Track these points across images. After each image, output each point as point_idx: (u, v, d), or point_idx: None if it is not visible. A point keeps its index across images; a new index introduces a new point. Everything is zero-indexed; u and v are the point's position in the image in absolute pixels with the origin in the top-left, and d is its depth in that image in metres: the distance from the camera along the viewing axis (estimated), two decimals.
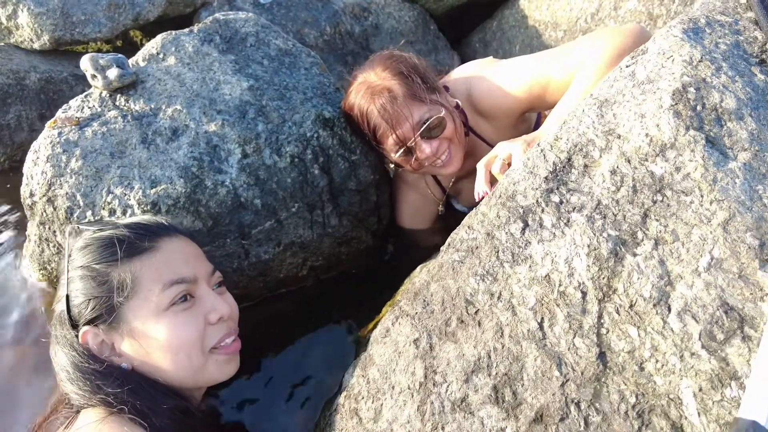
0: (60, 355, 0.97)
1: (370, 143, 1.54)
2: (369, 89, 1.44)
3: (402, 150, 1.47)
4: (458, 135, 1.51)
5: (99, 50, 2.82)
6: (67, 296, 0.97)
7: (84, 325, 0.96)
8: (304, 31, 2.74)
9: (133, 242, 1.00)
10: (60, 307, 0.99)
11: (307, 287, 1.62)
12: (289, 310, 1.55)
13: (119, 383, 0.92)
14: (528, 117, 1.71)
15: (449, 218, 1.82)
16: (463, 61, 3.14)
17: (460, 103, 1.56)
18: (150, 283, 0.98)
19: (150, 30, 2.98)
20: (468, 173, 1.66)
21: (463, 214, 1.11)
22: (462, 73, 1.67)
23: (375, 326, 1.19)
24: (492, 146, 1.40)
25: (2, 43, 2.35)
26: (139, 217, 1.18)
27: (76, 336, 0.96)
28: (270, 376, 1.39)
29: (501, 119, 1.60)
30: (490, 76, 1.56)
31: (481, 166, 1.28)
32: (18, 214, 1.91)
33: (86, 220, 1.23)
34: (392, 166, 1.58)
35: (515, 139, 1.25)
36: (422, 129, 1.43)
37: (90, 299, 0.96)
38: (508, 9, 3.01)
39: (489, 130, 1.64)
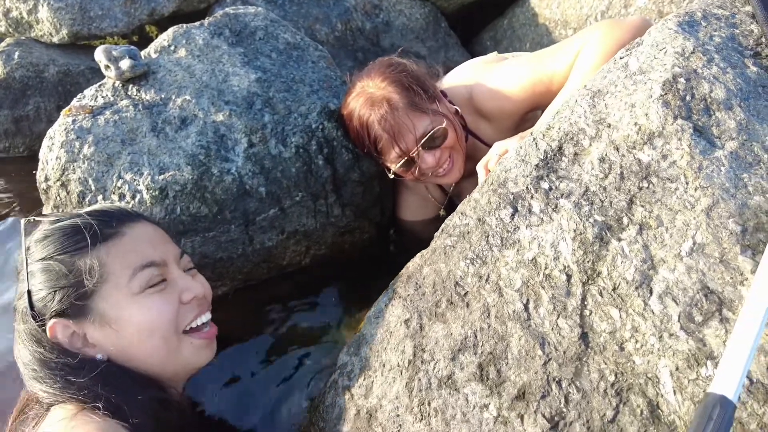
0: (24, 352, 0.93)
1: (369, 153, 1.53)
2: (368, 99, 1.44)
3: (403, 161, 1.47)
4: (460, 143, 1.52)
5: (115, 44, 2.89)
6: (29, 291, 0.94)
7: (51, 318, 0.92)
8: (316, 27, 2.78)
9: (97, 229, 0.97)
10: (22, 303, 0.95)
11: (308, 270, 1.66)
12: (290, 291, 1.59)
13: (92, 376, 0.89)
14: (532, 116, 1.71)
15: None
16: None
17: (459, 109, 1.56)
18: (119, 269, 0.96)
19: (164, 25, 3.05)
20: (468, 174, 1.67)
21: None
22: (462, 75, 1.68)
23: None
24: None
25: (23, 38, 2.43)
26: (100, 205, 1.16)
27: (44, 330, 0.92)
28: (264, 357, 1.42)
29: (503, 120, 1.60)
30: (492, 78, 1.56)
31: (480, 168, 1.29)
32: (34, 199, 1.98)
33: (41, 212, 1.17)
34: (391, 176, 1.57)
35: (511, 137, 1.27)
36: (424, 140, 1.43)
37: (56, 290, 0.93)
38: (518, 7, 3.03)
39: (490, 132, 1.64)
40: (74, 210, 1.05)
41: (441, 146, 1.46)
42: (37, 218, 1.01)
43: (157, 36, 3.10)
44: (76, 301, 0.93)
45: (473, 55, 3.23)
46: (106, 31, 2.39)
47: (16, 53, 2.29)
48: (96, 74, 2.44)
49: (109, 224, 0.99)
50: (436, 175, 1.54)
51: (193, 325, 1.03)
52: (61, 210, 1.40)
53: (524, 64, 1.52)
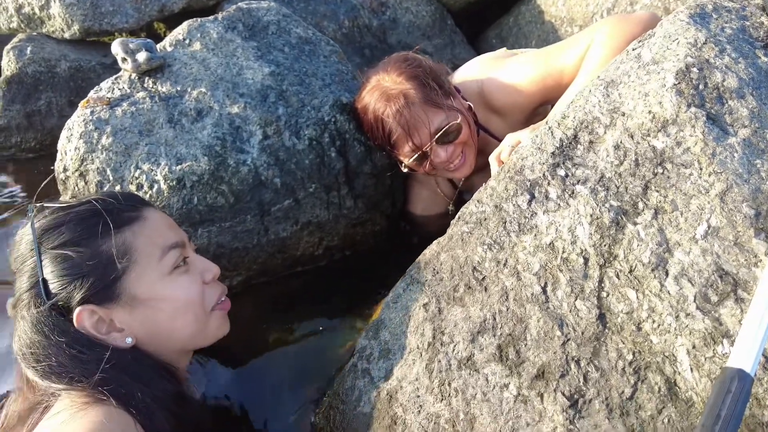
0: (39, 345, 0.88)
1: (382, 146, 1.56)
2: (384, 94, 1.45)
3: (417, 155, 1.49)
4: (472, 138, 1.54)
5: None
6: (44, 280, 0.90)
7: (77, 305, 0.90)
8: (323, 24, 2.80)
9: (120, 212, 0.97)
10: (27, 296, 0.92)
11: (321, 266, 1.68)
12: (302, 285, 1.61)
13: (115, 364, 0.88)
14: (542, 111, 1.73)
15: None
16: None
17: (471, 105, 1.58)
18: (147, 250, 0.96)
19: (173, 22, 3.08)
20: (479, 169, 1.69)
21: None
22: (472, 70, 1.70)
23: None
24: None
25: (34, 33, 2.45)
26: (108, 191, 1.13)
27: (69, 319, 0.90)
28: (277, 349, 1.44)
29: (514, 115, 1.62)
30: (503, 73, 1.58)
31: (492, 159, 1.30)
32: (46, 193, 2.00)
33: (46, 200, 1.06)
34: (405, 169, 1.59)
35: (523, 129, 1.29)
36: (439, 135, 1.45)
37: (82, 277, 0.90)
38: (524, 5, 3.05)
39: (501, 127, 1.66)
40: (83, 197, 1.01)
41: (454, 141, 1.48)
42: (46, 205, 0.98)
43: (165, 33, 3.13)
44: (105, 286, 0.92)
45: (479, 52, 3.25)
46: (117, 27, 2.41)
47: (29, 49, 2.31)
48: (107, 70, 2.46)
49: (130, 208, 1.00)
50: (448, 169, 1.56)
51: (218, 302, 1.06)
52: None
53: (534, 59, 1.54)
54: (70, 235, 0.92)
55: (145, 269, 0.96)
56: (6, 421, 0.94)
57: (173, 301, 0.98)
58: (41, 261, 0.91)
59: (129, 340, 0.95)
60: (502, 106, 1.61)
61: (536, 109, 1.63)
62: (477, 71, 1.68)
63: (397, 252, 1.84)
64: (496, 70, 1.61)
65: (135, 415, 0.86)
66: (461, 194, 1.90)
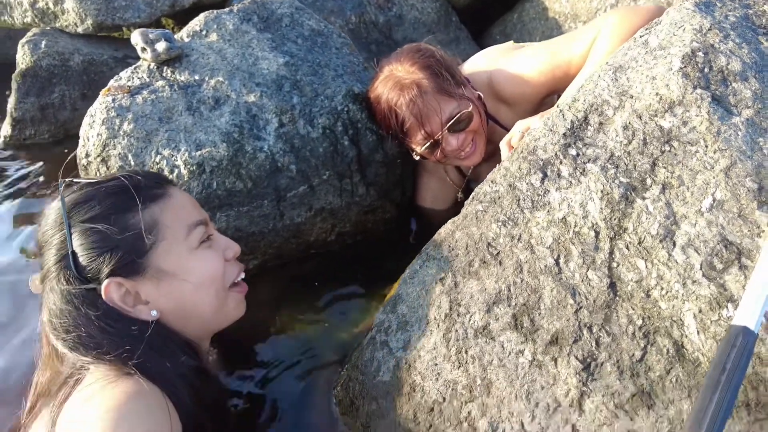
0: (68, 316, 0.92)
1: (395, 135, 1.59)
2: (397, 83, 1.49)
3: (429, 143, 1.54)
4: (483, 126, 1.58)
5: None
6: (74, 253, 0.93)
7: (105, 278, 0.93)
8: (330, 20, 2.85)
9: (149, 188, 1.01)
10: (56, 269, 0.94)
11: (333, 251, 1.72)
12: (315, 270, 1.65)
13: (140, 337, 0.91)
14: (549, 101, 1.77)
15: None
16: None
17: (482, 94, 1.63)
18: (174, 226, 1.00)
19: (182, 18, 3.12)
20: (487, 158, 1.74)
21: None
22: (481, 61, 1.74)
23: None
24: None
25: (48, 27, 2.50)
26: (134, 169, 1.15)
27: (97, 292, 0.93)
28: (291, 331, 1.48)
29: (522, 104, 1.66)
30: (511, 64, 1.62)
31: (503, 144, 1.34)
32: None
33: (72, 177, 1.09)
34: (416, 157, 1.64)
35: (532, 116, 1.34)
36: (450, 123, 1.50)
37: (111, 250, 0.93)
38: (528, 2, 3.09)
39: (509, 116, 1.70)
40: (111, 174, 1.05)
41: (466, 129, 1.53)
42: (75, 180, 1.01)
43: (173, 28, 3.17)
44: (132, 260, 0.95)
45: (484, 48, 3.30)
46: (129, 22, 2.46)
47: (43, 42, 2.35)
48: (119, 63, 2.50)
49: (157, 185, 1.03)
50: (458, 157, 1.60)
51: (236, 280, 1.10)
52: None
53: (543, 51, 1.58)
54: (100, 209, 0.96)
55: (171, 244, 1.00)
56: (37, 391, 0.98)
57: (199, 275, 1.01)
58: (71, 234, 0.94)
59: (154, 313, 0.98)
60: (511, 96, 1.65)
61: (544, 99, 1.67)
62: (485, 62, 1.72)
63: (405, 242, 1.89)
64: (505, 62, 1.66)
65: (161, 387, 0.89)
66: (469, 183, 1.95)
